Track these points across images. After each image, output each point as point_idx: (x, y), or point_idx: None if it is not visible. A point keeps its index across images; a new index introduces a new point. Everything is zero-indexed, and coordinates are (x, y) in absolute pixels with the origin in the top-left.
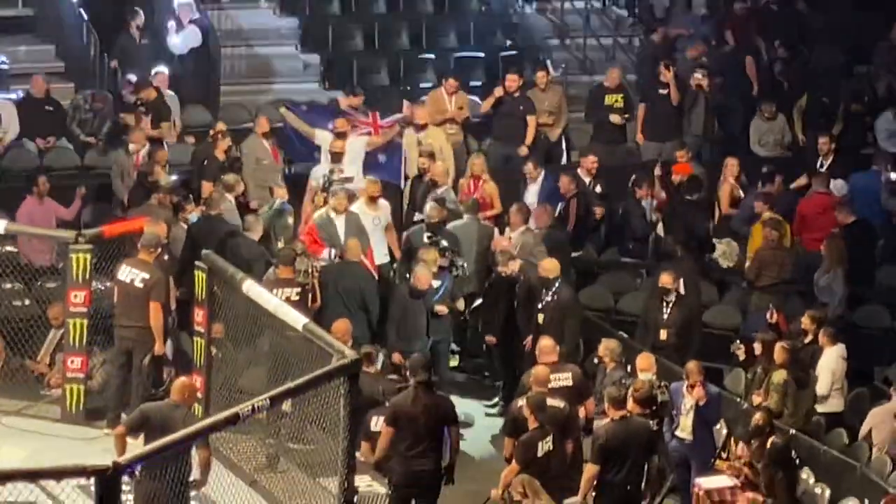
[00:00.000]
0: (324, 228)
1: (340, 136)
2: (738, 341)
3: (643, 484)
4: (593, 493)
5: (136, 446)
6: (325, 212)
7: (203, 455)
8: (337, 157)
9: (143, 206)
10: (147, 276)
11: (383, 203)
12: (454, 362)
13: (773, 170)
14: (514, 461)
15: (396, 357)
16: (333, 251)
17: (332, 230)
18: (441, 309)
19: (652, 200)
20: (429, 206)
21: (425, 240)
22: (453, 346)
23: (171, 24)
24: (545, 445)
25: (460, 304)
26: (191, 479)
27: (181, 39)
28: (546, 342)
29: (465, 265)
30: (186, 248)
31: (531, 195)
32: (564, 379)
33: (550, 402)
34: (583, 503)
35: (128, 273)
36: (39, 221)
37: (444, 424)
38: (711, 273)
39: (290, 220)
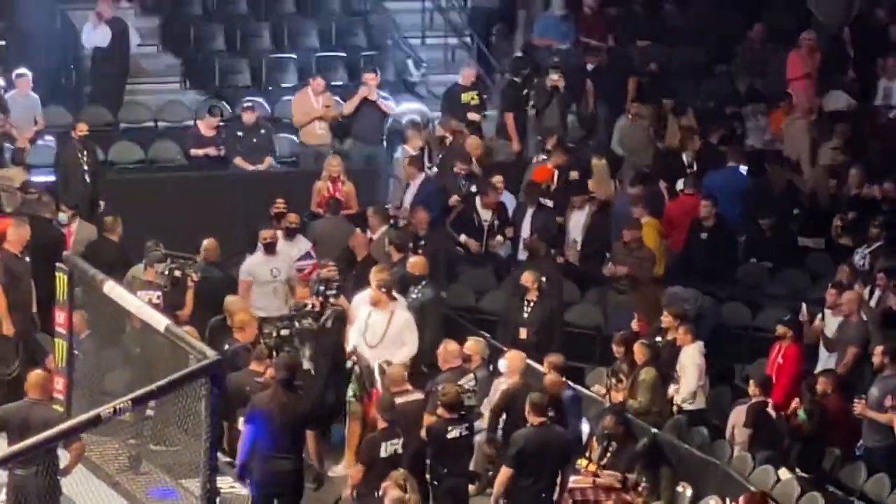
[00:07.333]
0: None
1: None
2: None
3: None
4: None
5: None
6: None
7: (75, 449)
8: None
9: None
10: None
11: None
12: None
13: (642, 171)
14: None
15: None
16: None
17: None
18: None
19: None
20: None
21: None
22: None
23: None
24: (390, 447)
25: None
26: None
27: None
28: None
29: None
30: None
31: (408, 195)
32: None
33: (406, 398)
34: None
35: None
36: None
37: (301, 425)
38: None
39: None
